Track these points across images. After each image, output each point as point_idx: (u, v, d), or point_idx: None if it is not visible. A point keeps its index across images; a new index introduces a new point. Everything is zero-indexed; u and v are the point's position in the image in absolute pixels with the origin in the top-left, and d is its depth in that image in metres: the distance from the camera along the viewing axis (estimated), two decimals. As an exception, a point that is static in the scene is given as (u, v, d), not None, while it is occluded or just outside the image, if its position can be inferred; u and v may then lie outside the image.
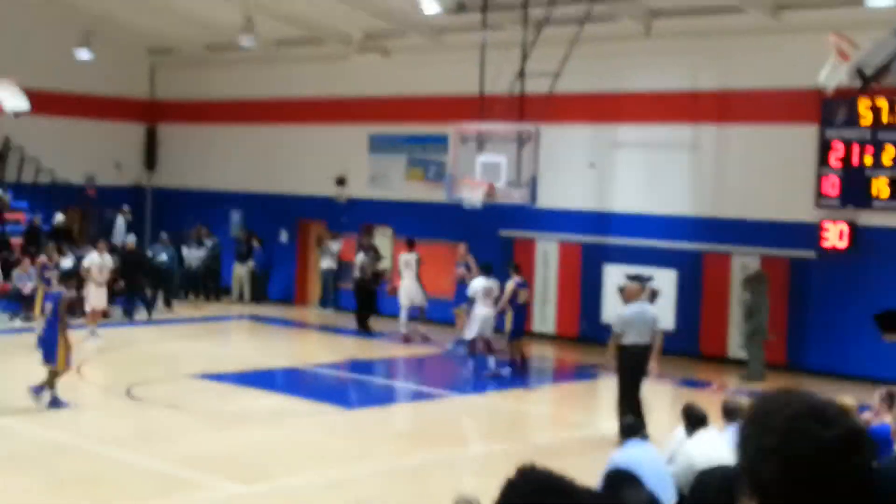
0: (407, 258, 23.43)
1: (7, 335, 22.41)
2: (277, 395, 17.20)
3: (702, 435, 9.39)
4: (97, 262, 21.82)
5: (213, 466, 12.74)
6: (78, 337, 17.26)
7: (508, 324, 19.81)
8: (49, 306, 15.53)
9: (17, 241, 25.79)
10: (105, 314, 22.39)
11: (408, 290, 23.04)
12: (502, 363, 19.52)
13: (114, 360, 19.89)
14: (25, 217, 27.23)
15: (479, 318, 19.21)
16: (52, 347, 15.17)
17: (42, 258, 20.47)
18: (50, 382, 15.24)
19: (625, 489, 6.05)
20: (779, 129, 20.96)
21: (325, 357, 21.36)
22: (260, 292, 28.37)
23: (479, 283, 19.57)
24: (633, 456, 9.03)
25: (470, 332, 19.41)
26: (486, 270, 20.01)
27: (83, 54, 28.39)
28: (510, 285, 19.57)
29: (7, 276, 24.29)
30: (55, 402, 15.25)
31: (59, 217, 27.01)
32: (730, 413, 9.75)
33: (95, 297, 21.52)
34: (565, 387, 20.14)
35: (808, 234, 20.34)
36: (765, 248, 20.99)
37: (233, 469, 12.68)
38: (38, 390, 15.25)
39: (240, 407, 16.37)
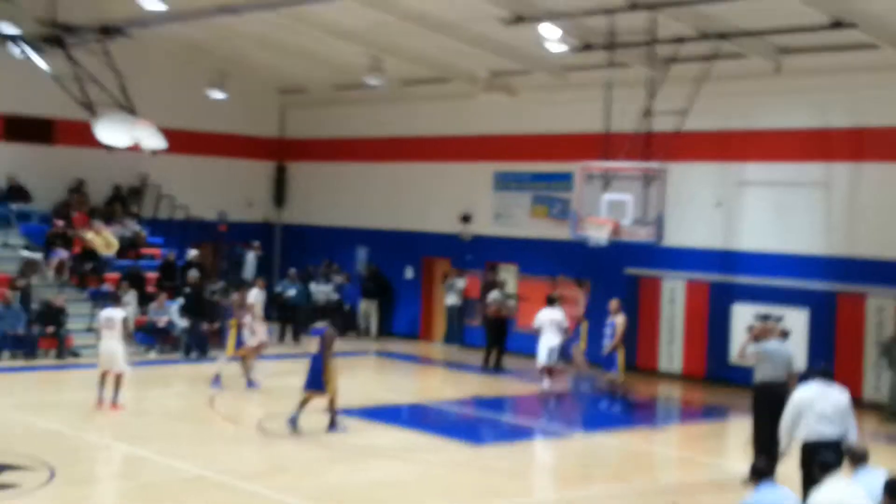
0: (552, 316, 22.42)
1: (142, 367, 23.06)
2: (403, 431, 17.31)
3: (833, 482, 9.18)
4: (260, 297, 22.49)
5: (343, 500, 12.88)
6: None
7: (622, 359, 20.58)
8: (317, 341, 16.81)
9: (152, 275, 26.55)
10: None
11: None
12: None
13: (244, 393, 20.29)
14: (161, 252, 28.05)
15: (547, 347, 21.21)
16: (318, 376, 16.59)
17: (235, 297, 21.25)
18: (332, 409, 16.76)
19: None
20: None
21: (451, 393, 21.43)
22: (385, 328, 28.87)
23: (545, 315, 21.42)
24: (767, 500, 8.89)
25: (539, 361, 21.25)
26: (551, 301, 21.81)
27: (216, 94, 29.23)
28: (621, 320, 20.38)
29: (143, 309, 25.01)
30: (333, 426, 16.76)
31: (193, 252, 27.76)
32: (858, 459, 9.59)
33: (250, 332, 22.01)
34: (693, 427, 19.85)
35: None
36: (901, 289, 20.45)
37: (361, 503, 12.80)
38: (292, 421, 16.50)
39: (367, 442, 16.53)
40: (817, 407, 11.88)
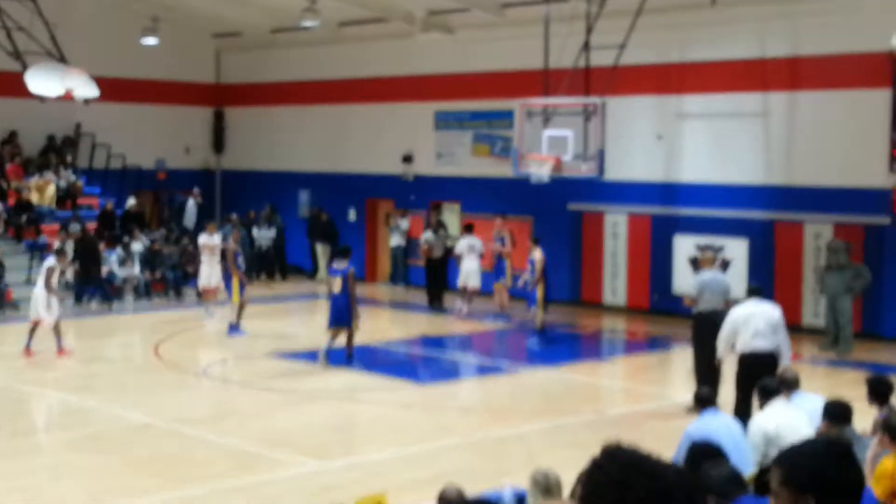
0: (470, 242, 23.40)
1: (85, 317, 22.86)
2: (350, 373, 17.34)
3: (773, 406, 9.37)
4: (208, 241, 22.32)
5: (290, 444, 12.91)
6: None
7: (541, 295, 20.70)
8: (339, 280, 17.41)
9: (91, 225, 26.20)
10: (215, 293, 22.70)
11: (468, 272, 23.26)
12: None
13: (188, 340, 20.19)
14: (98, 202, 27.68)
15: (464, 271, 23.05)
16: (343, 313, 17.42)
17: (230, 244, 20.87)
18: (349, 343, 17.63)
19: (708, 463, 6.02)
20: (851, 94, 20.64)
21: (397, 333, 21.49)
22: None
23: (463, 242, 23.15)
24: (710, 427, 9.02)
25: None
26: (468, 229, 23.28)
27: (150, 40, 28.73)
28: (538, 256, 20.77)
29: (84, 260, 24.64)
30: (351, 360, 17.53)
31: (132, 201, 27.42)
32: (790, 384, 9.86)
33: (206, 276, 22.01)
34: (637, 359, 20.07)
35: (882, 199, 20.02)
36: (838, 215, 20.71)
37: (309, 446, 12.85)
38: (328, 354, 17.31)
39: (314, 385, 16.55)
40: (752, 323, 12.57)
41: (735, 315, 12.79)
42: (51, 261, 18.18)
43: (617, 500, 2.69)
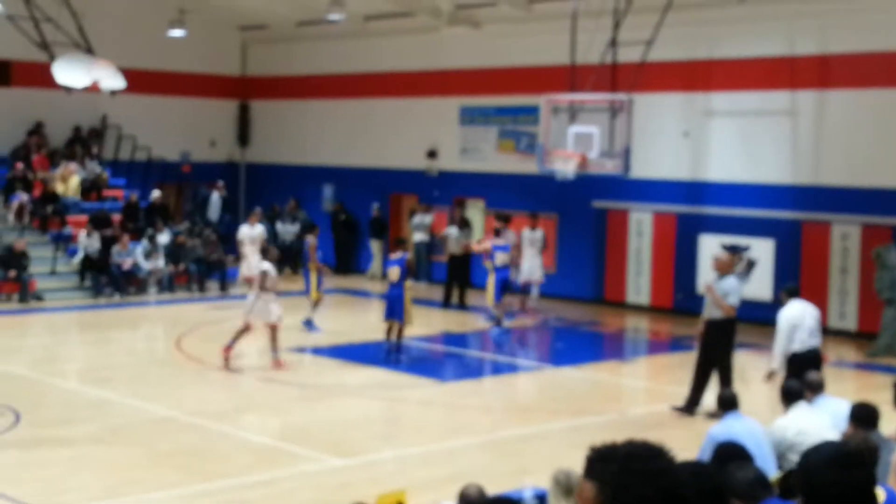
0: (531, 235, 23.29)
1: (108, 309, 22.92)
2: (372, 369, 17.29)
3: (795, 409, 9.28)
4: (248, 233, 22.44)
5: (311, 439, 12.86)
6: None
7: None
8: (397, 269, 17.50)
9: (115, 217, 26.26)
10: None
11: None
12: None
13: (211, 333, 20.19)
14: (123, 194, 27.74)
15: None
16: (398, 305, 17.46)
17: (313, 241, 20.42)
18: (399, 336, 17.81)
19: (733, 464, 5.92)
20: (881, 93, 20.42)
21: (419, 330, 21.43)
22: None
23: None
24: (734, 429, 8.90)
25: None
26: (497, 232, 22.15)
27: (176, 32, 28.76)
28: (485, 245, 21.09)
29: (107, 252, 24.72)
30: (398, 351, 17.80)
31: (156, 193, 27.46)
32: (815, 388, 9.83)
33: (247, 266, 22.23)
34: (660, 359, 19.93)
35: (912, 201, 19.82)
36: (866, 216, 20.49)
37: (330, 442, 12.79)
38: (395, 348, 17.73)
39: (335, 380, 16.51)
40: (806, 322, 12.94)
41: (789, 317, 12.97)
42: (265, 265, 17.14)
43: (626, 486, 2.66)
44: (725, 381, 13.88)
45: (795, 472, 3.16)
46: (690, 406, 14.30)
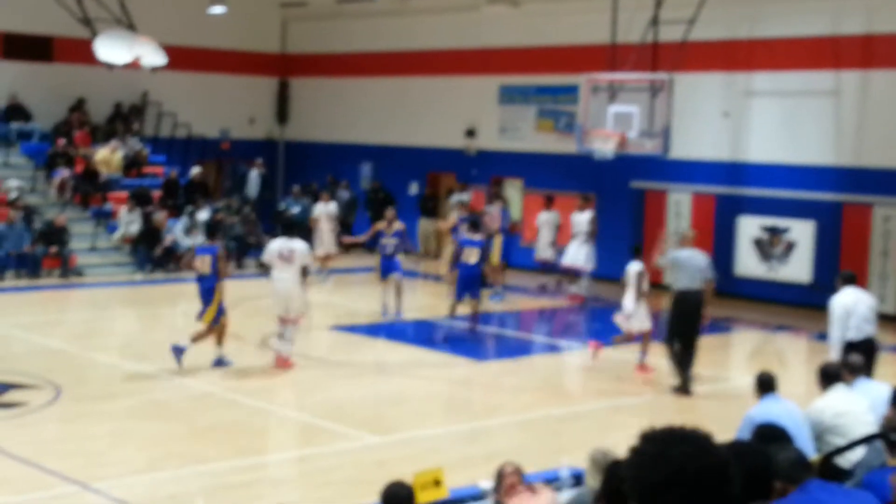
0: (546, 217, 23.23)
1: (147, 285, 23.11)
2: (409, 347, 17.34)
3: (833, 391, 9.25)
4: (323, 210, 23.13)
5: (349, 417, 12.93)
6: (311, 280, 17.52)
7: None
8: (476, 251, 17.74)
9: (156, 193, 26.45)
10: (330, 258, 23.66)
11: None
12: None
13: (250, 310, 20.30)
14: (163, 171, 27.91)
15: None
16: (477, 285, 17.86)
17: (382, 224, 19.73)
18: (475, 314, 18.15)
19: (774, 446, 5.90)
20: (925, 74, 20.17)
21: (457, 309, 21.43)
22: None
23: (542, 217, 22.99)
24: (772, 411, 8.86)
25: None
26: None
27: (217, 9, 28.83)
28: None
29: (152, 228, 24.86)
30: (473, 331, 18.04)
31: (196, 170, 27.60)
32: (855, 370, 9.74)
33: (324, 243, 23.11)
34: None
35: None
36: (908, 199, 20.29)
37: (366, 420, 12.85)
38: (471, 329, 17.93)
39: (373, 358, 16.57)
40: (859, 309, 12.71)
41: (842, 304, 12.73)
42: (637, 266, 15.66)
43: (658, 473, 2.67)
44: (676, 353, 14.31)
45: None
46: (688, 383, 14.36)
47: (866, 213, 20.91)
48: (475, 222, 19.04)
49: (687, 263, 14.36)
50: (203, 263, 15.36)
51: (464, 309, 18.15)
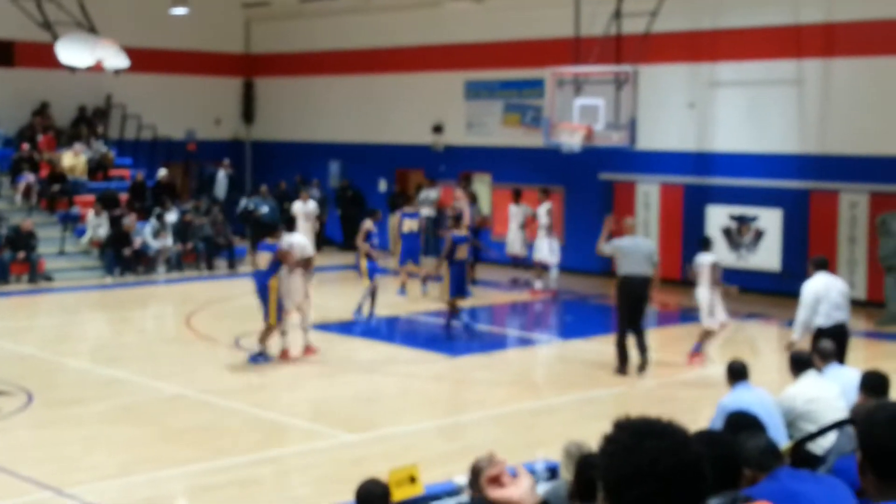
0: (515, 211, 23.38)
1: (117, 289, 22.97)
2: (382, 345, 17.33)
3: (804, 378, 9.33)
4: (301, 209, 22.63)
5: (323, 415, 12.93)
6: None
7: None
8: (466, 247, 17.77)
9: (123, 196, 26.28)
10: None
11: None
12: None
13: (220, 311, 20.24)
14: (129, 173, 27.75)
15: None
16: (464, 282, 17.84)
17: (367, 224, 19.20)
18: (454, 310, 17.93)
19: (744, 434, 5.94)
20: (887, 60, 20.35)
21: (427, 305, 21.45)
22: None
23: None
24: (744, 399, 8.92)
25: None
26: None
27: (179, 10, 28.65)
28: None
29: (120, 231, 24.70)
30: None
31: (163, 172, 27.45)
32: (825, 356, 9.86)
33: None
34: (669, 331, 19.94)
35: (919, 168, 19.76)
36: (874, 185, 20.46)
37: (340, 418, 12.85)
38: (467, 327, 17.80)
39: (345, 356, 16.55)
40: (830, 296, 12.66)
41: (812, 290, 12.66)
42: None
43: (629, 466, 2.65)
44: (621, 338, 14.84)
45: (859, 431, 3.13)
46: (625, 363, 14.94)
47: (833, 199, 21.09)
48: (458, 217, 19.11)
49: (630, 251, 14.67)
50: (262, 259, 15.55)
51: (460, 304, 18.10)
